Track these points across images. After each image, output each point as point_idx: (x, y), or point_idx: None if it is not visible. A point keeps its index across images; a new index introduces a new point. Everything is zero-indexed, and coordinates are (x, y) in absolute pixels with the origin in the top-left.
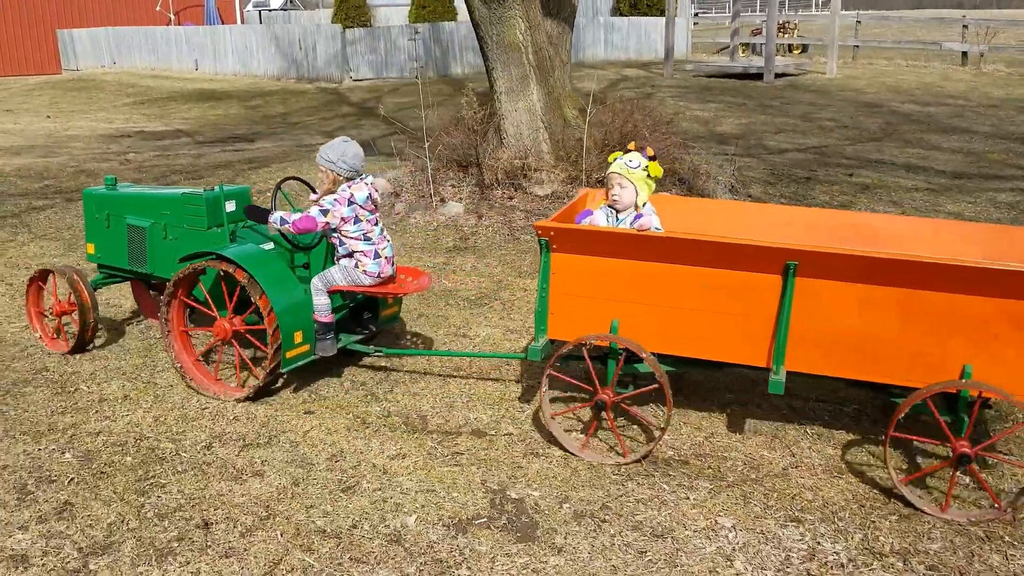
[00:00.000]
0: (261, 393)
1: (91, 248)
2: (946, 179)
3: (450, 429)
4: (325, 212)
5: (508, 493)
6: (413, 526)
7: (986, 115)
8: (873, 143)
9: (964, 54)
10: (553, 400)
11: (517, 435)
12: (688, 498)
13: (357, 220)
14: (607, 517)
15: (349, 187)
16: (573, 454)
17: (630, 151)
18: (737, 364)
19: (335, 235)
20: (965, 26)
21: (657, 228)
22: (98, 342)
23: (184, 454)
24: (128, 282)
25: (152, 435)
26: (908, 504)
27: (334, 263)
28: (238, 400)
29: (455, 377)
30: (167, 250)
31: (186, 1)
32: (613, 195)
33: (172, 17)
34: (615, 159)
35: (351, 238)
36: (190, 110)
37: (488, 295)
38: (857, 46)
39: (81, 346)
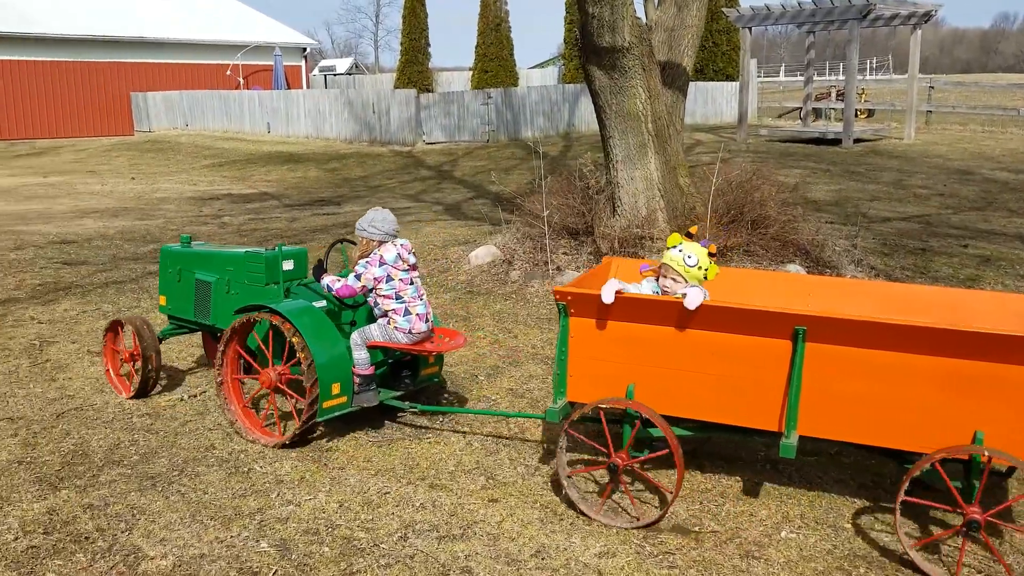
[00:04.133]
0: (297, 442)
1: (163, 300)
2: None
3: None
4: (359, 276)
5: None
6: None
7: None
8: (976, 212)
9: None
10: (572, 463)
11: (724, 533)
12: None
13: (389, 279)
14: None
15: (379, 249)
16: (588, 516)
17: (690, 240)
18: (752, 429)
19: (371, 296)
20: None
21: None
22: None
23: (382, 545)
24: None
25: (343, 523)
26: (918, 570)
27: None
28: (274, 446)
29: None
30: (229, 303)
31: (255, 66)
32: (665, 285)
33: (241, 81)
34: (675, 245)
35: (384, 296)
36: (269, 172)
37: None
38: (930, 111)
39: (143, 391)
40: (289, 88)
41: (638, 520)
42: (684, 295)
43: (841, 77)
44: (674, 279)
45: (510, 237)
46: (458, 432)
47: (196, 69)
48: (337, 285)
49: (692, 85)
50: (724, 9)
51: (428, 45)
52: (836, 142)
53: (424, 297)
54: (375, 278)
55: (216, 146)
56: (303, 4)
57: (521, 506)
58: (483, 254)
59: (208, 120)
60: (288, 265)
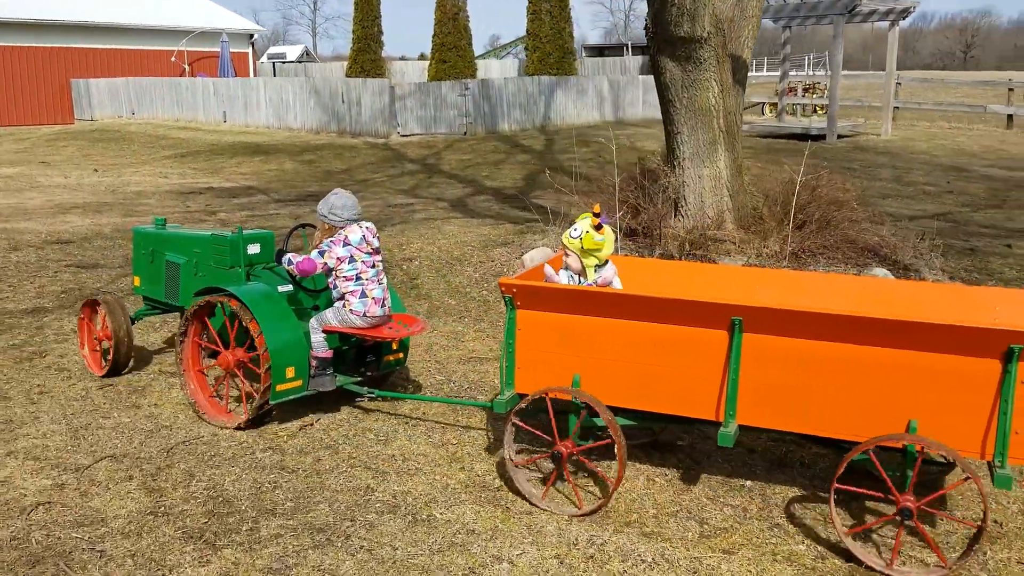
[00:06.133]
0: (253, 423)
1: (137, 281)
2: None
3: None
4: (323, 253)
5: None
6: None
7: None
8: (996, 210)
9: (1009, 117)
10: (520, 451)
11: None
12: None
13: (352, 260)
14: None
15: (344, 229)
16: (533, 504)
17: (588, 216)
18: (693, 418)
19: (331, 278)
20: (1011, 89)
21: (616, 285)
22: (389, 449)
23: None
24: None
25: None
26: (852, 559)
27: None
28: (231, 427)
29: (858, 502)
30: (196, 285)
31: (200, 52)
32: (568, 264)
33: (187, 68)
34: (581, 219)
35: (343, 277)
36: (240, 164)
37: None
38: (897, 107)
39: (115, 370)
40: (236, 75)
41: (579, 509)
42: (602, 279)
43: (801, 73)
44: (566, 254)
45: (558, 239)
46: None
47: (138, 55)
48: (298, 259)
49: None
50: None
51: (381, 33)
52: (820, 138)
53: (384, 282)
54: (338, 258)
55: (172, 136)
56: None
57: (763, 559)
58: (538, 257)
59: (157, 108)
60: (254, 248)
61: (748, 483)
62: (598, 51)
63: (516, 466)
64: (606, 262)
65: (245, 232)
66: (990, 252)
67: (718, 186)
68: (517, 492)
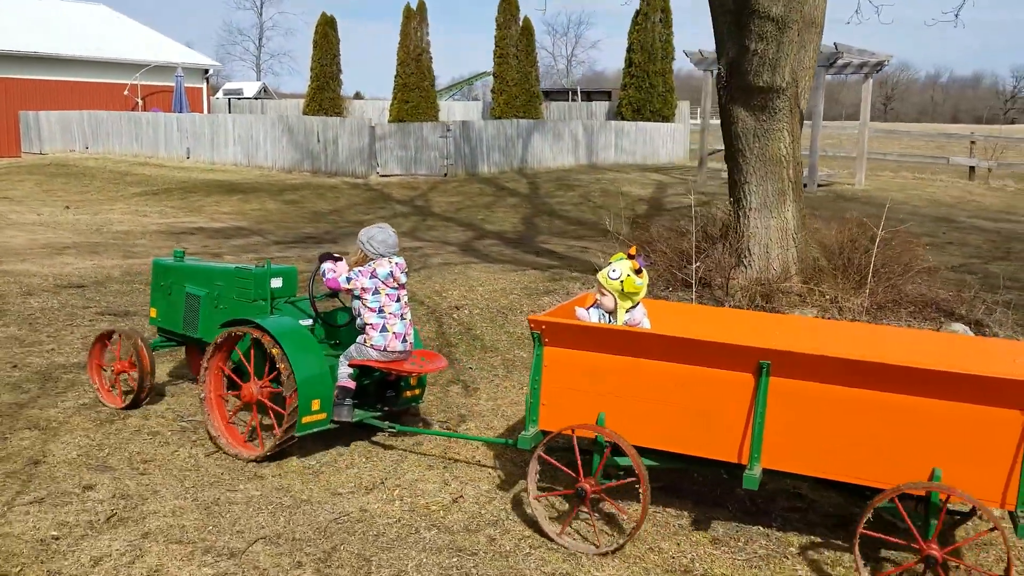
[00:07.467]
0: (275, 456)
1: (153, 312)
2: None
3: None
4: (350, 280)
5: None
6: None
7: None
8: (1002, 262)
9: (972, 169)
10: (541, 488)
11: None
12: None
13: (376, 292)
14: None
15: (375, 263)
16: (550, 538)
17: (623, 258)
18: (716, 460)
19: (356, 305)
20: (973, 142)
21: (644, 325)
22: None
23: None
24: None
25: None
26: None
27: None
28: (253, 460)
29: None
30: (217, 318)
31: (153, 86)
32: (601, 303)
33: (139, 102)
34: (616, 259)
35: (368, 309)
36: (219, 203)
37: None
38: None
39: (136, 403)
40: (191, 110)
41: (597, 548)
42: (628, 320)
43: None
44: (602, 293)
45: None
46: (840, 548)
47: (88, 87)
48: (331, 275)
49: (633, 125)
50: (685, 52)
51: (340, 72)
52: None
53: (407, 317)
54: (363, 288)
55: (135, 172)
56: (170, 23)
57: None
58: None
59: (113, 143)
60: (276, 282)
61: (763, 529)
62: (545, 95)
63: (536, 499)
64: (637, 303)
65: (269, 265)
66: None
67: (784, 237)
68: (535, 527)
